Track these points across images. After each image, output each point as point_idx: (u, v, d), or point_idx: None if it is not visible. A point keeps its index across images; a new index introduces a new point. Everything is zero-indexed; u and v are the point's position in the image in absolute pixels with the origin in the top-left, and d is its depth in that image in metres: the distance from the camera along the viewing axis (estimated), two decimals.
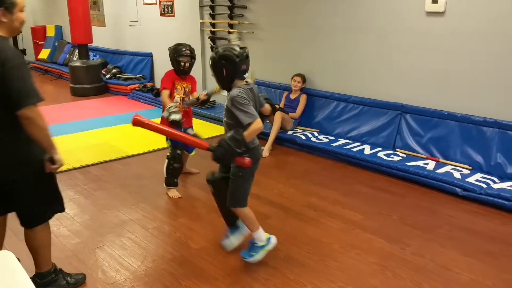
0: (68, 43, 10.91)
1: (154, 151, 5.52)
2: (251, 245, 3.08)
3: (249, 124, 2.71)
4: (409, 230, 3.60)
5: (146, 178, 4.71)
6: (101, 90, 8.89)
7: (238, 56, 2.78)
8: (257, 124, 2.73)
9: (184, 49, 4.12)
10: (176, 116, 3.74)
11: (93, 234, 3.58)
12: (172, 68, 4.23)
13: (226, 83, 2.87)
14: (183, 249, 3.36)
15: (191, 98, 4.21)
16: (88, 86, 8.74)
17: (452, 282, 2.93)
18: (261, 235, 3.05)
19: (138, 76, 8.94)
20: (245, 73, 2.85)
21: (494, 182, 4.16)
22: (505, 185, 4.07)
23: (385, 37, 5.17)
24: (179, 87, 4.21)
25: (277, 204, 4.07)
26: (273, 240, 3.10)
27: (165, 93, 4.13)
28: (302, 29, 6.01)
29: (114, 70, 9.21)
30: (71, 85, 8.88)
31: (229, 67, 2.80)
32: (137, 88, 8.49)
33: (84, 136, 6.09)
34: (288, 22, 6.17)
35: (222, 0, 6.99)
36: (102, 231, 3.62)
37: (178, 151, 4.19)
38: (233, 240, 3.23)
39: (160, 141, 5.75)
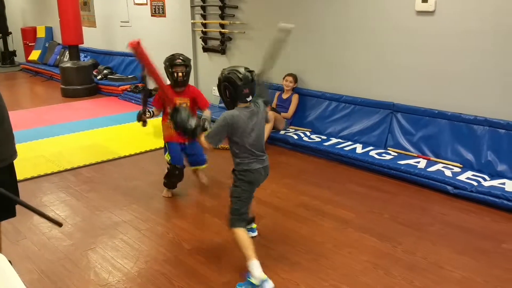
0: (59, 44, 10.85)
1: (146, 152, 5.50)
2: (246, 277, 2.85)
3: (206, 138, 2.86)
4: (401, 228, 3.62)
5: (138, 179, 4.69)
6: (92, 91, 8.84)
7: (241, 80, 2.80)
8: (207, 144, 2.88)
9: (176, 57, 3.95)
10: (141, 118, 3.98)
11: (85, 236, 3.57)
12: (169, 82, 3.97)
13: (229, 104, 2.92)
14: (176, 250, 3.35)
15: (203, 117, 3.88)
16: (79, 87, 8.69)
17: (444, 279, 2.95)
18: (255, 270, 2.78)
19: (129, 77, 8.90)
20: (247, 97, 2.85)
21: (485, 179, 4.19)
22: (495, 182, 4.10)
23: (376, 37, 5.19)
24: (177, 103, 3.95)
25: (270, 204, 4.08)
26: (268, 286, 2.75)
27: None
28: (294, 28, 6.00)
29: (105, 71, 9.17)
30: (62, 86, 8.83)
31: (231, 90, 2.83)
32: (129, 89, 8.46)
33: (75, 138, 6.06)
34: (279, 22, 6.17)
35: (213, 0, 6.98)
36: (94, 233, 3.61)
37: (177, 172, 4.08)
38: None
39: (151, 142, 5.74)
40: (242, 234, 2.92)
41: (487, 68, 4.39)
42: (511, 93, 4.27)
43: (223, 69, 2.93)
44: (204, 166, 4.26)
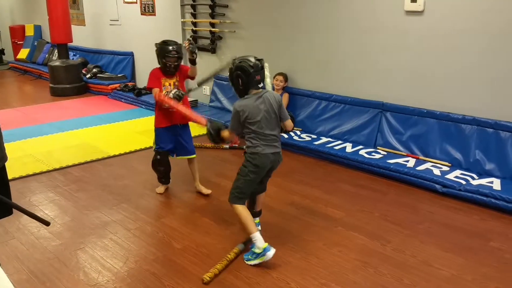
0: (48, 42, 10.76)
1: (135, 151, 5.48)
2: (250, 248, 3.14)
3: (230, 130, 3.17)
4: (390, 226, 3.64)
5: (128, 178, 4.67)
6: (81, 90, 8.78)
7: (252, 67, 3.00)
8: (227, 133, 3.20)
9: (170, 48, 3.92)
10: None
11: (74, 235, 3.55)
12: (158, 65, 4.05)
13: (241, 92, 3.09)
14: (166, 249, 3.34)
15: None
16: (68, 86, 8.63)
17: (433, 277, 2.98)
18: (258, 241, 3.04)
19: (119, 75, 8.85)
20: (259, 83, 3.05)
21: (473, 178, 4.23)
22: (483, 181, 4.14)
23: (365, 36, 5.21)
24: (167, 84, 4.05)
25: None
26: (270, 253, 3.03)
27: (155, 91, 3.97)
28: (284, 28, 6.03)
29: (94, 70, 9.11)
30: (51, 85, 8.76)
31: (244, 78, 3.01)
32: (118, 88, 8.42)
33: (64, 137, 6.02)
34: (270, 21, 6.19)
35: None
36: (84, 233, 3.58)
37: (158, 156, 4.12)
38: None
39: (141, 141, 5.72)
40: (242, 210, 3.11)
41: (475, 67, 4.42)
42: (499, 93, 4.31)
43: (233, 59, 3.11)
44: (194, 156, 4.22)
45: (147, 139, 5.80)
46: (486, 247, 3.35)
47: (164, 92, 4.00)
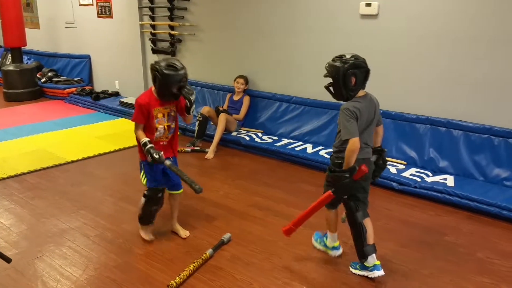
0: (1, 46, 10.41)
1: (94, 156, 5.37)
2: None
3: (346, 141, 2.69)
4: None
5: (86, 184, 4.58)
6: (36, 94, 8.55)
7: (366, 64, 2.72)
8: (352, 144, 2.67)
9: (181, 74, 3.16)
10: (155, 156, 3.12)
11: (31, 244, 3.44)
12: (151, 87, 3.34)
13: (350, 92, 2.73)
14: (127, 255, 3.30)
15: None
16: (22, 90, 8.38)
17: (392, 272, 3.06)
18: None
19: (75, 79, 8.66)
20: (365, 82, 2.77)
21: (428, 176, 4.37)
22: (438, 178, 4.29)
23: (322, 39, 5.30)
24: (160, 115, 3.27)
25: (222, 205, 4.08)
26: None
27: (136, 128, 3.27)
28: (243, 31, 6.06)
29: (49, 74, 8.88)
30: (4, 90, 8.49)
31: (360, 76, 2.69)
32: (75, 92, 8.24)
33: (19, 143, 5.83)
34: (229, 24, 6.21)
35: (161, 1, 6.91)
36: (41, 241, 3.49)
37: (160, 194, 3.39)
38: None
39: (99, 146, 5.61)
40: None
41: (427, 69, 4.59)
42: (451, 93, 4.48)
43: (334, 61, 2.73)
44: (181, 191, 3.56)
45: (106, 144, 5.71)
46: (441, 241, 3.47)
47: (156, 125, 3.27)
